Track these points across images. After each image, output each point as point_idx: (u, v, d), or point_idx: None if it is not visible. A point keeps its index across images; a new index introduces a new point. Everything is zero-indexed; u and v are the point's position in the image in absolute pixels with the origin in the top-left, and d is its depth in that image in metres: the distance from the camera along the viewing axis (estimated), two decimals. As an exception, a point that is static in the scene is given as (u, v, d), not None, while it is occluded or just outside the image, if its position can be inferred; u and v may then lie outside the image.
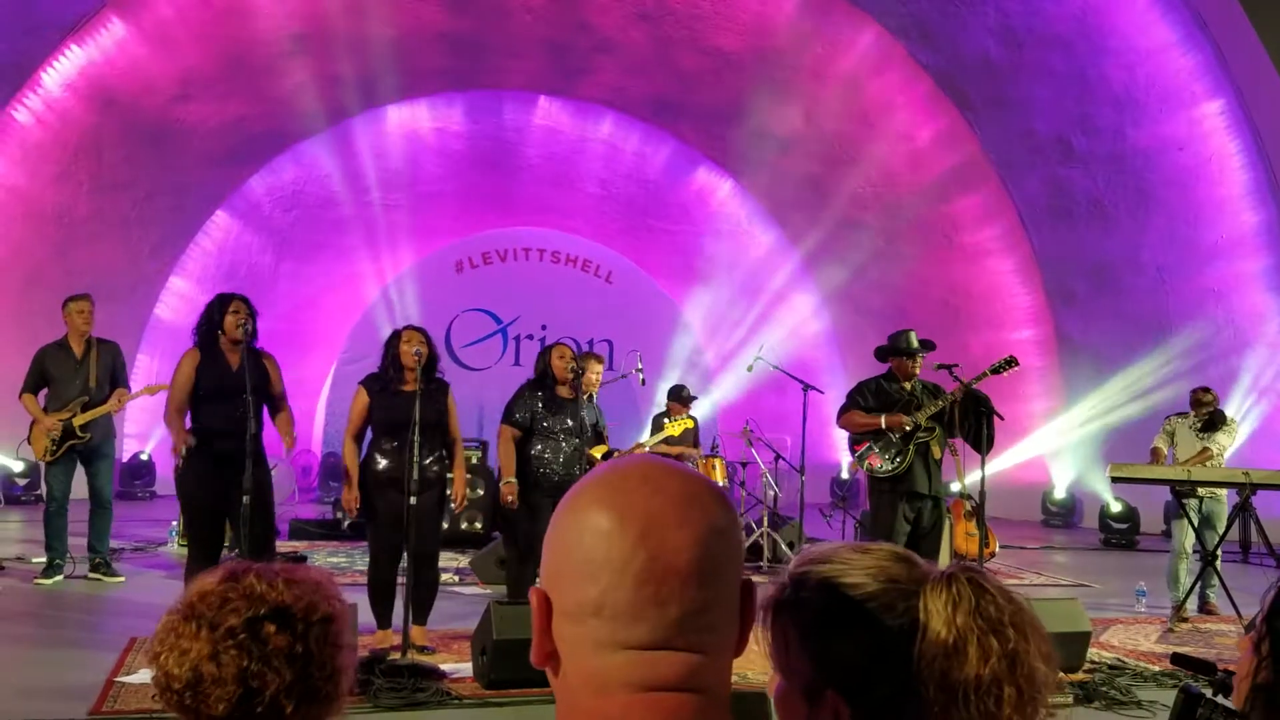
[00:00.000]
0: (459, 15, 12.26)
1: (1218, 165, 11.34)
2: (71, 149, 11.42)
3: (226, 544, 5.88)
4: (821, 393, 9.43)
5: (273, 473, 5.58)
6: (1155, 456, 7.55)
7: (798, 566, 1.07)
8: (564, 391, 5.96)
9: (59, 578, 7.07)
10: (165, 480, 12.85)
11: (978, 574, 1.03)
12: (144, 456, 13.45)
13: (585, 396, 6.08)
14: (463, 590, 7.45)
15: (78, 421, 7.04)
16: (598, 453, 6.37)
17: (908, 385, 6.40)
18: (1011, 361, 6.44)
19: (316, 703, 1.32)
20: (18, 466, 12.03)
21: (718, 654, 0.89)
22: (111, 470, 7.49)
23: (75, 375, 7.14)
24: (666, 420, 8.09)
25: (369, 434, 5.56)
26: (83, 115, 11.18)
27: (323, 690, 1.33)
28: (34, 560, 7.92)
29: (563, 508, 0.91)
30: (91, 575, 7.21)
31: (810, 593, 1.04)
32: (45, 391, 7.18)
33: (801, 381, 8.98)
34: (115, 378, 7.30)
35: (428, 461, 5.42)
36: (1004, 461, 12.93)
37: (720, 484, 8.09)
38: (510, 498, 5.79)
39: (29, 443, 7.15)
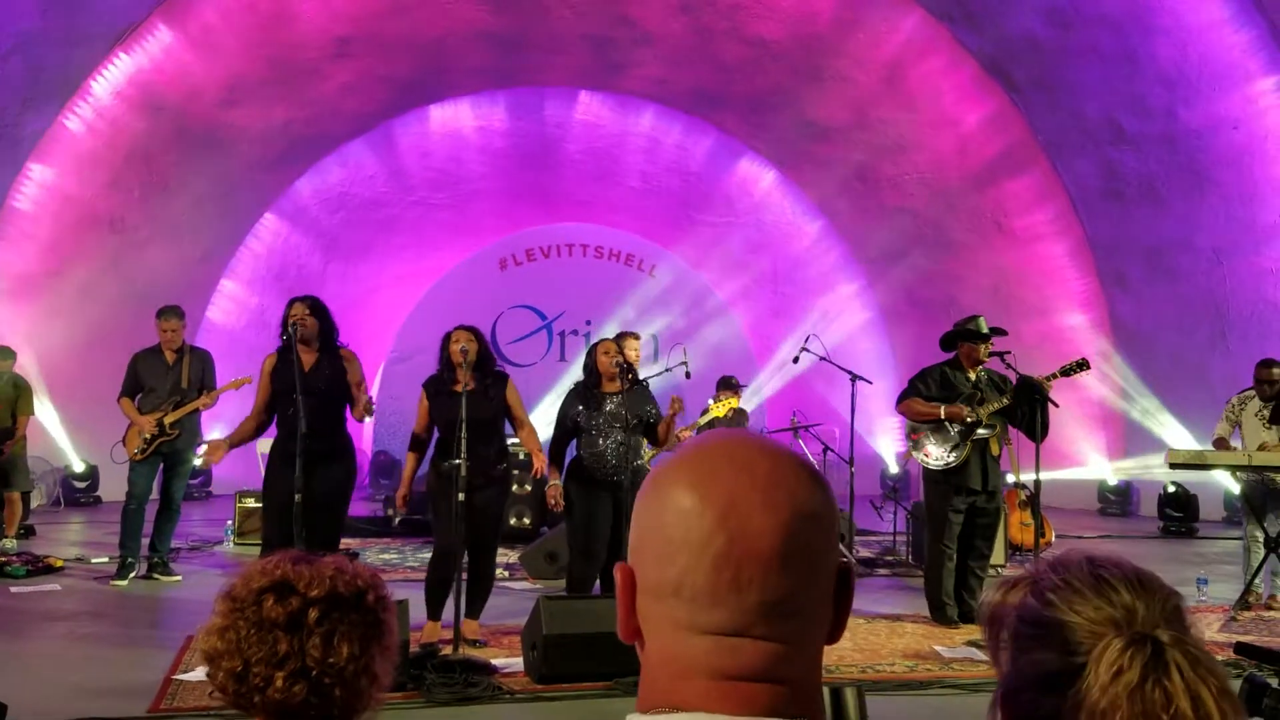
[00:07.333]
0: (499, 13, 12.29)
1: (1274, 143, 11.06)
2: (122, 156, 11.59)
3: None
4: (870, 383, 9.31)
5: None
6: (1222, 446, 7.24)
7: (1040, 570, 1.03)
8: (609, 385, 5.97)
9: (132, 576, 7.21)
10: (221, 480, 13.06)
11: (1176, 646, 0.92)
12: (199, 462, 13.39)
13: (636, 386, 6.04)
14: (512, 585, 7.48)
15: (168, 419, 7.22)
16: (647, 455, 6.35)
17: (973, 374, 6.30)
18: (1083, 364, 6.34)
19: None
20: (79, 467, 12.26)
21: (804, 643, 0.86)
22: (187, 476, 7.70)
23: (167, 377, 7.36)
24: (711, 401, 7.96)
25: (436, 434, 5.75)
26: (132, 122, 11.35)
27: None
28: (93, 561, 8.08)
29: (648, 483, 0.89)
30: (149, 575, 7.33)
31: (1032, 598, 1.01)
32: (139, 396, 7.39)
33: (849, 372, 8.87)
34: (204, 383, 7.48)
35: (489, 458, 5.52)
36: (1058, 448, 12.73)
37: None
38: (552, 501, 5.93)
39: (124, 444, 7.33)
